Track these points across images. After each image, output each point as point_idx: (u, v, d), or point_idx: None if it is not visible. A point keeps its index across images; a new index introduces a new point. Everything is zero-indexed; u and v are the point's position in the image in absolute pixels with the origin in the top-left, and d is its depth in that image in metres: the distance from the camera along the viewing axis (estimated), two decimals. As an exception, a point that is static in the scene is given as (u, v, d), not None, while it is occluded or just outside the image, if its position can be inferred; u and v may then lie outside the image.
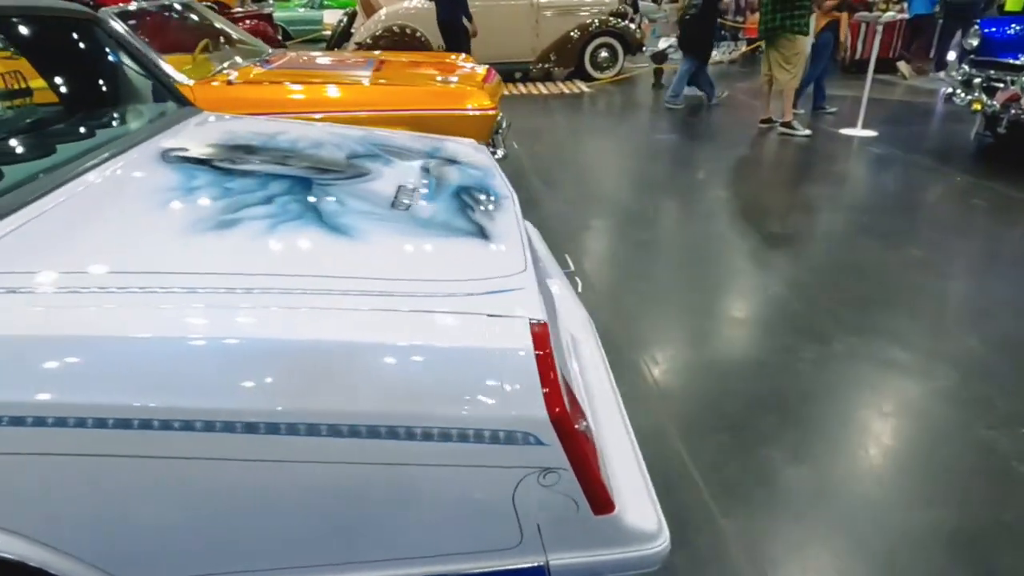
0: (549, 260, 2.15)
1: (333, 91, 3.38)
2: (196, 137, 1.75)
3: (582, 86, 8.90)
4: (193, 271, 1.02)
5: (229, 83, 3.36)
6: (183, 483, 0.91)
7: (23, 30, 1.85)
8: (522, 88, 8.83)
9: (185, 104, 2.12)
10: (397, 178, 1.59)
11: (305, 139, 1.86)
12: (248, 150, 1.67)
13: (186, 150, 1.59)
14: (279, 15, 14.75)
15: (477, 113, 3.45)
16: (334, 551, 0.98)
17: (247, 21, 10.50)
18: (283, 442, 0.90)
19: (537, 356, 0.98)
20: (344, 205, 1.37)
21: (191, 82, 3.31)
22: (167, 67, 3.28)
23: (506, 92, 8.35)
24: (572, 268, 3.36)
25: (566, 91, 8.64)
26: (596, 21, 9.19)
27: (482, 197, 1.56)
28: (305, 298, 0.99)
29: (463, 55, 5.05)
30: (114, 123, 1.73)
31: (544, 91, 8.66)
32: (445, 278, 1.12)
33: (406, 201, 1.44)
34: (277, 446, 0.90)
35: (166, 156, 1.53)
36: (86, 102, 1.96)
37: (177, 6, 4.33)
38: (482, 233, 1.34)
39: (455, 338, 0.98)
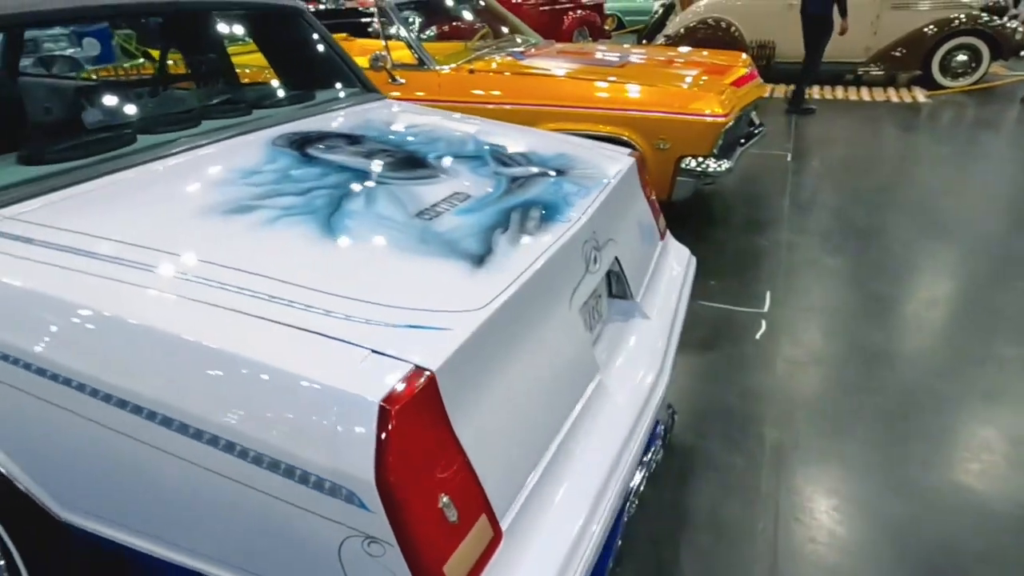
0: (670, 293, 1.87)
1: (552, 87, 3.38)
2: (335, 123, 1.90)
3: (919, 95, 7.45)
4: (140, 244, 1.13)
5: (471, 72, 3.58)
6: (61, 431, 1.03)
7: (241, 19, 2.21)
8: (840, 93, 7.73)
9: (370, 90, 2.31)
10: (461, 185, 1.53)
11: (428, 134, 1.89)
12: (356, 140, 1.76)
13: (303, 134, 1.74)
14: (614, 5, 15.21)
15: (698, 118, 3.14)
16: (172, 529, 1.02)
17: (576, 12, 10.97)
18: (124, 418, 0.95)
19: (381, 409, 0.87)
20: (369, 206, 1.36)
21: (440, 69, 3.60)
22: (421, 48, 3.62)
23: (816, 96, 7.42)
24: (765, 309, 2.90)
25: (895, 100, 7.33)
26: (961, 16, 7.56)
27: (535, 218, 1.41)
28: (211, 292, 1.02)
29: (743, 56, 4.60)
30: (275, 104, 1.97)
31: (868, 98, 7.46)
32: (372, 300, 1.05)
33: (439, 211, 1.38)
34: (120, 418, 0.96)
35: (276, 139, 1.69)
36: (287, 82, 2.28)
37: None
38: (478, 259, 1.22)
39: (314, 366, 0.91)
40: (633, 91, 3.27)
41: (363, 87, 2.31)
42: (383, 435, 0.87)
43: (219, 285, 1.05)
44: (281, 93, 2.10)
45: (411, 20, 4.79)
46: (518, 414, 1.13)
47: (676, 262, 2.09)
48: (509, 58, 3.86)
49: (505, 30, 4.72)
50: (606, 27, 13.03)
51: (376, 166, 1.58)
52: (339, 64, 2.29)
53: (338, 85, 2.27)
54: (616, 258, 1.65)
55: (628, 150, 2.06)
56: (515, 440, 1.11)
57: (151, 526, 1.04)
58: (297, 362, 0.92)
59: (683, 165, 3.23)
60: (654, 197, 2.11)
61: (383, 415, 0.87)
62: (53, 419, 1.03)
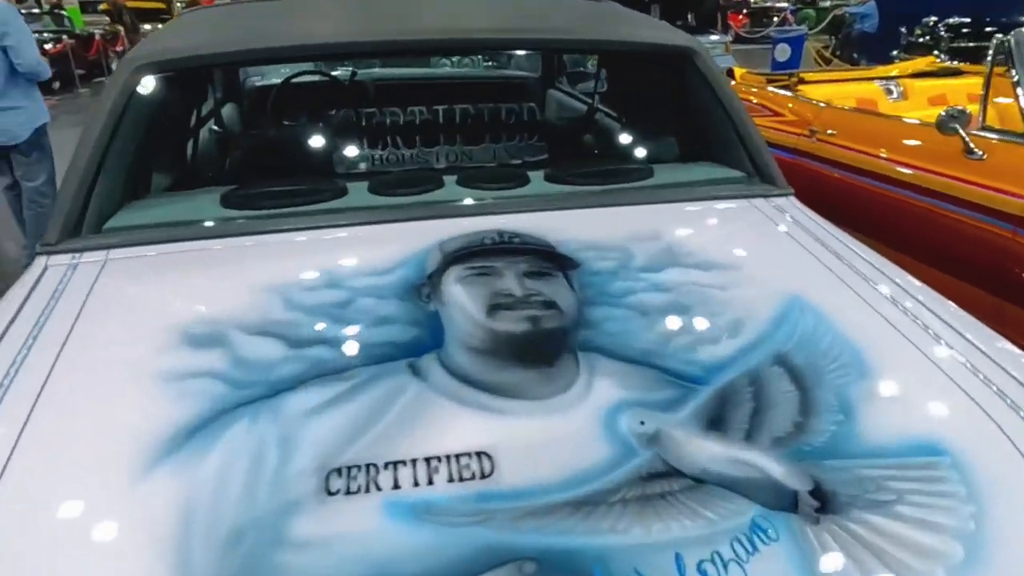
0: None
1: None
2: (590, 230, 1.19)
3: None
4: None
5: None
6: None
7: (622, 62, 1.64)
8: None
9: (767, 180, 1.46)
10: (508, 425, 0.77)
11: (680, 292, 1.04)
12: (548, 271, 1.08)
13: (494, 239, 1.16)
14: None
15: None
16: None
17: None
18: None
19: None
20: (311, 417, 0.81)
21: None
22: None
23: None
24: None
25: None
26: None
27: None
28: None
29: None
30: (567, 178, 1.39)
31: None
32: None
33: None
34: None
35: (449, 240, 1.16)
36: (631, 148, 1.64)
37: None
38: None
39: None
40: None
41: (755, 172, 1.47)
42: None
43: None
44: (604, 163, 1.50)
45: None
46: None
47: None
48: None
49: None
50: None
51: (469, 340, 0.93)
52: (728, 134, 1.50)
53: (713, 163, 1.51)
54: None
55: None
56: None
57: None
58: None
59: None
60: None
61: None
62: None
